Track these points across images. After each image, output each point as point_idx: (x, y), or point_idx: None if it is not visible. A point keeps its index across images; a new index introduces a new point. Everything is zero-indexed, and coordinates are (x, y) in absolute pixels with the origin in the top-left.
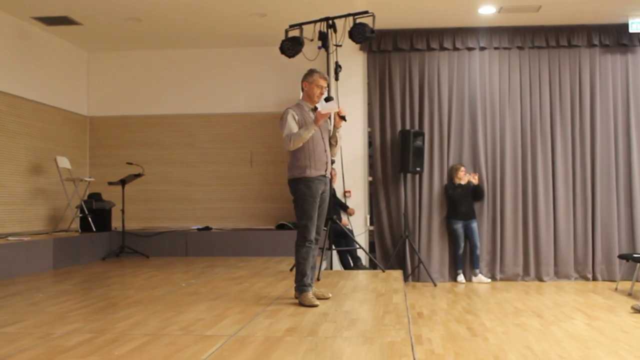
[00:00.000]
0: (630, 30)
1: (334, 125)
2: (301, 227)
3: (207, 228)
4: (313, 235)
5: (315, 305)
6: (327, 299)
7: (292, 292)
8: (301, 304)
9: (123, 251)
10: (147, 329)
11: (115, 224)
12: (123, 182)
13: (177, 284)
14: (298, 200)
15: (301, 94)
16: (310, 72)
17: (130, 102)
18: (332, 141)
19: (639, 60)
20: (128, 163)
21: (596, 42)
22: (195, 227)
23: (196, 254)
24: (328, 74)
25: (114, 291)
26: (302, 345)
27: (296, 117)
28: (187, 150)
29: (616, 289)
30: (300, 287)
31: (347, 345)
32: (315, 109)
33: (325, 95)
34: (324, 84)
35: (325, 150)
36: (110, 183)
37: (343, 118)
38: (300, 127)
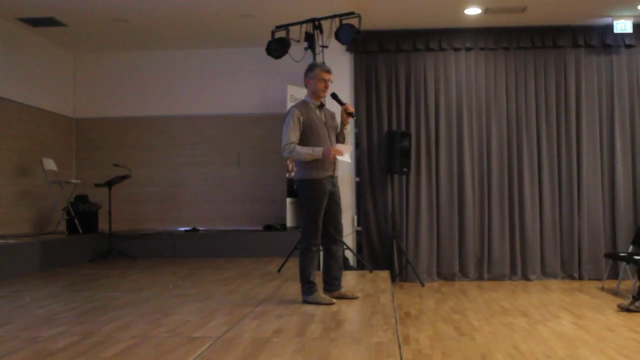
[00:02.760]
0: (615, 31)
1: (342, 122)
2: (306, 231)
3: (194, 229)
4: (319, 240)
5: (333, 303)
6: (356, 298)
7: (281, 293)
8: (317, 303)
9: (110, 253)
10: (134, 331)
11: (102, 226)
12: (110, 184)
13: (164, 286)
14: (304, 202)
15: (297, 95)
16: (312, 67)
17: (116, 104)
18: (340, 138)
19: (623, 61)
20: (115, 165)
21: (581, 42)
22: (183, 229)
23: (183, 255)
24: None
25: (101, 293)
26: (290, 347)
27: (301, 118)
28: (173, 152)
29: (602, 287)
30: (309, 289)
31: (334, 346)
32: (322, 105)
33: (330, 90)
34: (327, 77)
35: None
36: (96, 185)
37: (351, 115)
38: (305, 127)
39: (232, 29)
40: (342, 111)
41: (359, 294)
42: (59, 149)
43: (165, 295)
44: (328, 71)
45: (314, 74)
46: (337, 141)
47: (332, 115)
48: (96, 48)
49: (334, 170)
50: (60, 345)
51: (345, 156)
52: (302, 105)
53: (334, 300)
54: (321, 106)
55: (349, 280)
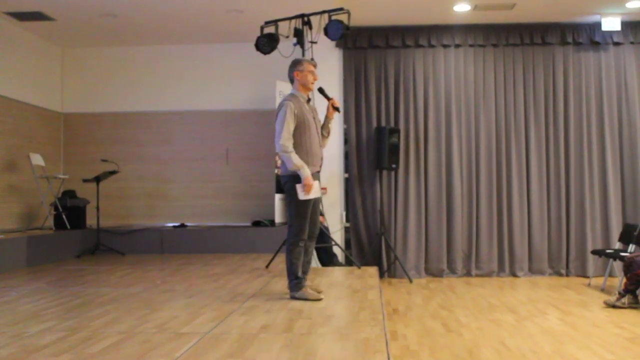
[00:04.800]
0: (603, 29)
1: (327, 116)
2: (294, 227)
3: (182, 225)
4: (307, 235)
5: (320, 299)
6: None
7: (268, 289)
8: (304, 299)
9: (98, 249)
10: (121, 326)
11: (90, 221)
12: (98, 179)
13: (152, 282)
14: (293, 199)
15: (285, 91)
16: (299, 61)
17: (105, 99)
18: (324, 132)
19: (611, 58)
20: (103, 160)
21: (570, 39)
22: (171, 225)
23: (172, 251)
24: None
25: (88, 289)
26: (277, 342)
27: (295, 112)
28: (162, 147)
29: (589, 284)
30: (297, 285)
31: (321, 342)
32: (309, 100)
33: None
34: (314, 69)
35: (320, 145)
36: (84, 180)
37: (337, 109)
38: (299, 121)
39: (221, 24)
40: (328, 105)
41: (322, 296)
42: (46, 144)
43: (153, 291)
44: (315, 64)
45: (303, 67)
46: (322, 135)
47: (315, 110)
48: (84, 43)
49: (320, 166)
50: (47, 341)
51: (310, 195)
52: (294, 98)
53: (322, 296)
54: (308, 101)
55: (337, 276)
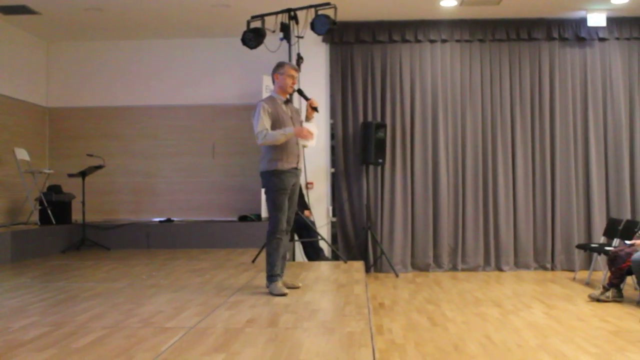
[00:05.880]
0: (589, 24)
1: (306, 117)
2: (273, 219)
3: (168, 220)
4: (284, 227)
5: (285, 294)
6: (297, 287)
7: (254, 283)
8: (271, 293)
9: (83, 244)
10: (106, 321)
11: (76, 216)
12: (83, 174)
13: (138, 277)
14: (270, 193)
15: (269, 86)
16: (281, 64)
17: (90, 93)
18: None
19: (597, 54)
20: (88, 155)
21: (556, 35)
22: (157, 219)
23: (158, 246)
24: None
25: (73, 284)
26: (262, 337)
27: (269, 111)
28: (148, 142)
29: (574, 278)
30: (270, 277)
31: (306, 336)
32: (287, 101)
33: (297, 86)
34: (295, 74)
35: (297, 143)
36: (70, 175)
37: (315, 109)
38: (273, 121)
39: (207, 19)
40: (307, 106)
41: (300, 284)
42: (32, 139)
43: (138, 285)
44: (297, 69)
45: (283, 70)
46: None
47: (297, 111)
48: (70, 37)
49: (297, 163)
50: (31, 336)
51: (311, 142)
52: (269, 100)
53: (286, 291)
54: (287, 102)
55: (324, 271)
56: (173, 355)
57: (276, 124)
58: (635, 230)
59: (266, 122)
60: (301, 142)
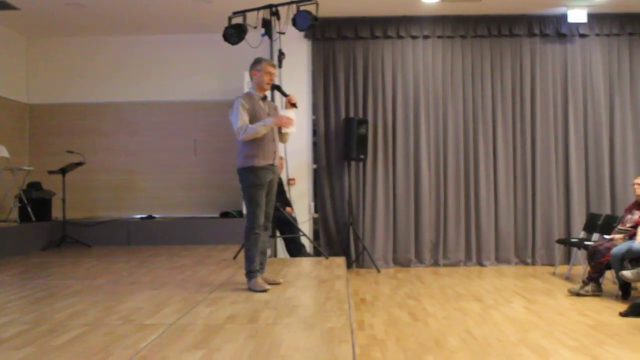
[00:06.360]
0: (569, 20)
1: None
2: (250, 215)
3: (150, 217)
4: (262, 222)
5: (265, 290)
6: (278, 283)
7: (235, 279)
8: (251, 289)
9: (64, 241)
10: (85, 319)
11: (56, 213)
12: (63, 171)
13: (118, 274)
14: (246, 189)
15: (250, 82)
16: (259, 61)
17: (71, 90)
18: (282, 129)
19: (577, 50)
20: (69, 151)
21: (537, 31)
22: (138, 216)
23: (139, 243)
24: None
25: (53, 281)
26: (242, 333)
27: (246, 106)
28: (130, 139)
29: (554, 273)
30: (249, 273)
31: (287, 332)
32: (264, 97)
33: (275, 82)
34: (272, 70)
35: (274, 140)
36: (50, 172)
37: (294, 105)
38: (250, 117)
39: (189, 14)
40: (285, 102)
41: (281, 280)
42: (11, 136)
43: (118, 282)
44: (274, 65)
45: (261, 66)
46: (280, 132)
47: (275, 107)
48: (50, 33)
49: (273, 159)
50: (10, 334)
51: (291, 128)
52: (246, 96)
53: (268, 287)
54: (264, 98)
55: (305, 267)
56: (152, 352)
57: (253, 120)
58: (614, 225)
59: (245, 118)
60: (283, 130)
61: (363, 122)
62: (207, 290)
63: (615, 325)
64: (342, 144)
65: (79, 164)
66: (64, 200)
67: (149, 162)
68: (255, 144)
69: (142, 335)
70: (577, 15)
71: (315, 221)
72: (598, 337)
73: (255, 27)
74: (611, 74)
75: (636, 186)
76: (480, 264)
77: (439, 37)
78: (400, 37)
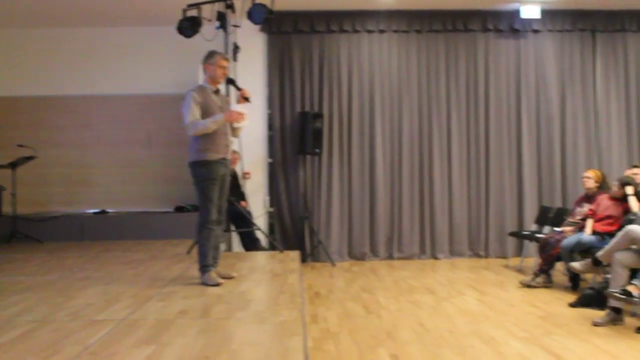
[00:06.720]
0: (522, 16)
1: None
2: (202, 210)
3: (103, 212)
4: (214, 217)
5: (219, 284)
6: (232, 278)
7: (189, 274)
8: (204, 284)
9: (14, 237)
10: (33, 315)
11: (6, 208)
12: (13, 165)
13: (69, 269)
14: (198, 183)
15: (203, 76)
16: (212, 54)
17: (22, 82)
18: (235, 123)
19: (530, 45)
20: (19, 145)
21: (491, 27)
22: (91, 211)
23: (92, 238)
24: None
25: (2, 278)
26: (194, 327)
27: (198, 100)
28: (82, 132)
29: (507, 265)
30: (202, 267)
31: (239, 326)
32: (217, 90)
33: (229, 75)
34: (226, 64)
35: (226, 134)
36: None
37: (247, 99)
38: (203, 111)
39: (143, 7)
40: (239, 96)
41: (235, 274)
42: None
43: (69, 278)
44: (227, 59)
45: (214, 60)
46: (232, 126)
47: (227, 101)
48: (1, 24)
49: (226, 153)
50: None
51: (244, 122)
52: (199, 89)
53: (221, 281)
54: (217, 91)
55: (259, 260)
56: (102, 348)
57: (206, 114)
58: (564, 217)
59: (196, 112)
60: (235, 125)
61: (319, 116)
62: (159, 285)
63: (565, 315)
64: (298, 137)
65: (30, 158)
66: (14, 195)
67: (102, 156)
68: (207, 137)
69: (91, 331)
70: (530, 11)
71: (270, 215)
72: (547, 327)
73: (210, 20)
74: (563, 69)
75: (585, 179)
76: (435, 257)
77: (395, 31)
78: (357, 32)
